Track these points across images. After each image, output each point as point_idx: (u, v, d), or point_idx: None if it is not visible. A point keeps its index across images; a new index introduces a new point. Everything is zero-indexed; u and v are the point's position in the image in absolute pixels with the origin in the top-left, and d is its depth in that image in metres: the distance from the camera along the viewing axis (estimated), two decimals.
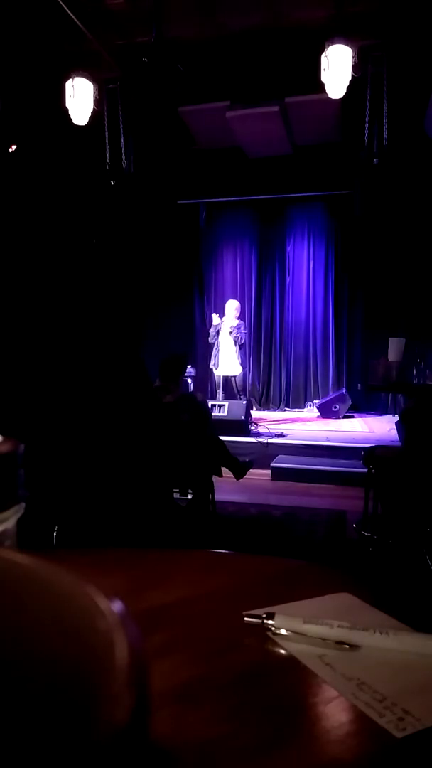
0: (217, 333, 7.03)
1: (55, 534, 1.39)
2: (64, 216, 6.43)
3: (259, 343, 8.82)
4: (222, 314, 7.19)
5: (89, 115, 5.83)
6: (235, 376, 7.09)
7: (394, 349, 5.70)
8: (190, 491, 3.51)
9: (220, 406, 6.16)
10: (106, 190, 7.00)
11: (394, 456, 3.08)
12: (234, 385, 7.11)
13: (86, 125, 5.90)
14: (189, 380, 6.79)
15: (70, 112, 5.74)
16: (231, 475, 3.99)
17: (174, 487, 3.23)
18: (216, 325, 7.03)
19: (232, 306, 7.17)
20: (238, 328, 7.02)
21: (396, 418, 5.55)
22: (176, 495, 3.41)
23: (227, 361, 7.01)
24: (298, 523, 3.94)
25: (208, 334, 7.20)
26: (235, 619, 0.50)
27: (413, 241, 7.26)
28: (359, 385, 7.98)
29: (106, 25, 5.51)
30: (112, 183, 6.95)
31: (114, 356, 1.67)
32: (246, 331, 7.42)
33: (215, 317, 7.12)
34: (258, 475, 5.04)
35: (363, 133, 6.10)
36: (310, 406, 8.20)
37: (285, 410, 8.38)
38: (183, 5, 5.18)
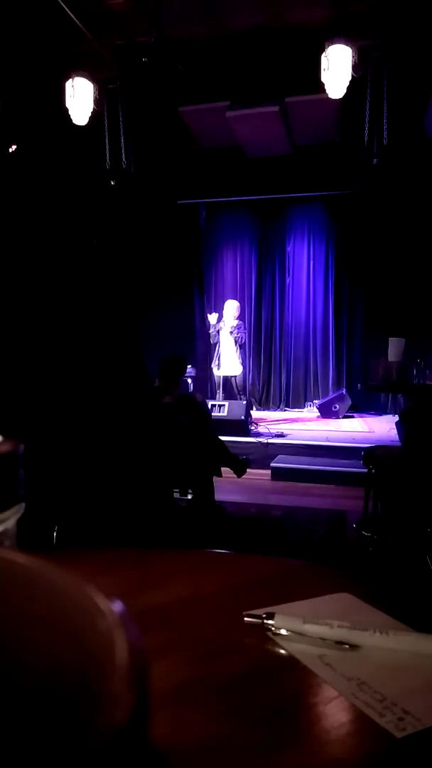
0: (218, 333, 7.03)
1: (55, 534, 1.39)
2: (64, 216, 6.42)
3: (259, 343, 8.81)
4: (221, 314, 7.18)
5: (89, 115, 5.84)
6: (235, 376, 7.09)
7: (394, 349, 5.70)
8: (190, 491, 3.51)
9: (220, 406, 6.16)
10: (106, 190, 7.00)
11: (394, 456, 3.08)
12: (234, 385, 7.11)
13: (86, 125, 5.91)
14: (189, 380, 6.79)
15: (70, 112, 5.75)
16: (231, 475, 4.00)
17: (174, 487, 3.23)
18: (215, 326, 7.03)
19: (231, 306, 7.17)
20: (238, 328, 7.02)
21: (396, 418, 5.55)
22: (176, 495, 3.41)
23: (228, 361, 7.01)
24: (298, 523, 3.93)
25: (209, 334, 7.20)
26: (235, 619, 0.50)
27: (413, 241, 7.27)
28: (359, 385, 7.98)
29: (106, 25, 5.51)
30: (112, 183, 6.95)
31: (114, 356, 1.67)
32: (246, 331, 7.42)
33: (211, 317, 7.10)
34: (258, 475, 5.04)
35: (363, 133, 6.09)
36: (310, 406, 8.20)
37: (285, 410, 8.38)
38: (183, 5, 5.18)
